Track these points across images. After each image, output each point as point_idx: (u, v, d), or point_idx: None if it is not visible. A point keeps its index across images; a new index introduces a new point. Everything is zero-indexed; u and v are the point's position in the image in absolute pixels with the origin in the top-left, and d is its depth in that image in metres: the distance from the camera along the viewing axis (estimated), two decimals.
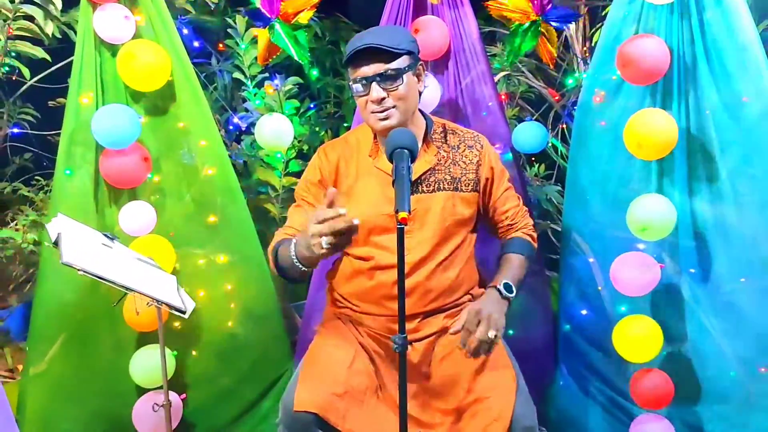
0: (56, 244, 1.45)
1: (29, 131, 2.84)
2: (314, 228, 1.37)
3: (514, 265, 1.85)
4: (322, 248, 1.37)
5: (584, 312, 2.33)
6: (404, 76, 1.67)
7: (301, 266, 1.54)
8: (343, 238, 1.37)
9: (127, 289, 1.50)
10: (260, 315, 2.47)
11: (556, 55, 2.24)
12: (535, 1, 2.15)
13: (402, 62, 1.67)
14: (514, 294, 1.74)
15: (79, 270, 1.41)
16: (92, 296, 2.16)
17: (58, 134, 2.31)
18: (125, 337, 2.23)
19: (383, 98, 1.66)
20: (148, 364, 2.12)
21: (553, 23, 2.19)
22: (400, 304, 1.42)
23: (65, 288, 2.14)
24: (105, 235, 1.65)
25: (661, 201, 1.89)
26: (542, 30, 2.19)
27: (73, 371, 2.20)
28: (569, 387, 2.43)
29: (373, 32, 1.72)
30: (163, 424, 2.11)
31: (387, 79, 1.66)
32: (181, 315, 1.61)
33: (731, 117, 1.86)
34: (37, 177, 2.85)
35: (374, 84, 1.66)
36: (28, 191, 2.75)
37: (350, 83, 1.72)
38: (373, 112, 1.69)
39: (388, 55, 1.65)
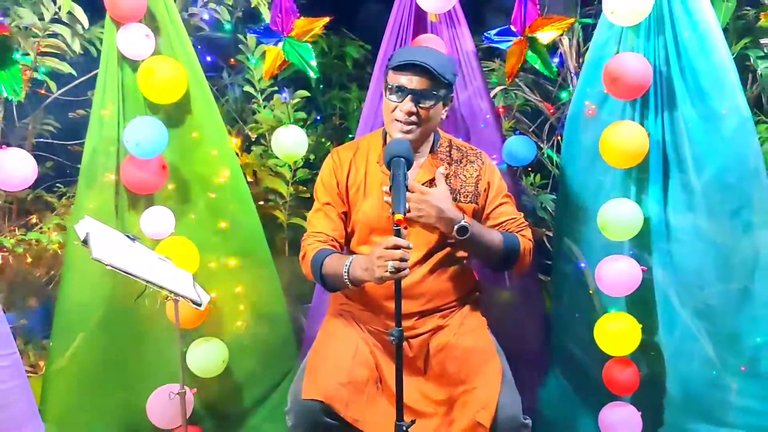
0: (85, 242, 1.59)
1: (50, 141, 2.98)
2: (385, 253, 1.56)
3: (490, 229, 1.91)
4: (386, 271, 1.55)
5: (576, 315, 2.42)
6: (438, 103, 1.82)
7: (349, 283, 1.73)
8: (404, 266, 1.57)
9: (149, 283, 1.64)
10: (269, 316, 2.57)
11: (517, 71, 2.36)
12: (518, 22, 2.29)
13: (442, 91, 1.82)
14: (465, 235, 1.80)
15: (107, 265, 1.56)
16: (111, 296, 2.28)
17: (78, 143, 2.46)
18: (141, 333, 2.34)
19: (414, 113, 1.80)
20: (204, 355, 2.30)
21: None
22: (396, 299, 1.57)
23: (86, 288, 2.26)
24: (126, 236, 1.80)
25: (624, 204, 2.04)
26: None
27: (93, 366, 2.31)
28: (561, 388, 2.52)
29: (426, 52, 1.85)
30: (174, 417, 2.22)
31: (424, 97, 1.80)
32: (197, 307, 1.76)
33: (707, 131, 1.98)
34: (58, 184, 3.00)
35: (410, 96, 1.79)
36: (50, 197, 2.91)
37: (386, 86, 1.85)
38: (397, 120, 1.82)
39: (434, 79, 1.79)
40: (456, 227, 1.78)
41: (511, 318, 2.54)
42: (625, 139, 1.99)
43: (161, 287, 1.68)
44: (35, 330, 2.79)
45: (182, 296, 1.71)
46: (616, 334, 2.12)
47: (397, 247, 1.55)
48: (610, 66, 2.01)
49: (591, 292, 2.36)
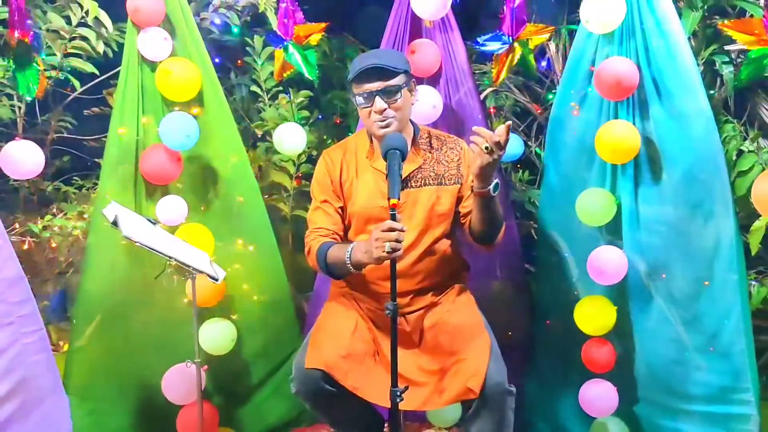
0: (115, 223, 1.78)
1: (67, 136, 3.16)
2: (381, 234, 1.74)
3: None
4: (384, 252, 1.73)
5: (558, 300, 2.57)
6: (401, 91, 2.00)
7: (351, 268, 1.91)
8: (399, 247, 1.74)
9: (172, 259, 1.84)
10: (274, 301, 2.73)
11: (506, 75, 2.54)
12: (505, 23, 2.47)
13: (399, 80, 1.99)
14: (497, 191, 1.92)
15: (136, 242, 1.75)
16: (129, 279, 2.45)
17: (93, 139, 2.65)
18: (157, 314, 2.50)
19: (384, 109, 1.99)
20: (215, 334, 2.46)
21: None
22: (392, 276, 1.76)
23: (107, 271, 2.44)
24: (148, 220, 1.98)
25: (597, 193, 2.22)
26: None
27: (112, 344, 2.48)
28: (546, 370, 2.67)
29: (375, 54, 2.06)
30: (187, 393, 2.41)
31: (388, 93, 1.98)
32: (215, 281, 1.95)
33: (674, 129, 2.16)
34: (75, 177, 3.18)
35: (377, 97, 1.97)
36: (68, 189, 3.09)
37: (354, 97, 2.03)
38: (375, 121, 2.01)
39: (388, 74, 1.97)
40: (493, 183, 1.90)
41: (500, 305, 2.68)
42: (621, 137, 2.16)
43: (183, 263, 1.87)
44: (56, 311, 2.98)
45: (201, 271, 1.90)
46: (594, 316, 2.29)
47: (392, 230, 1.72)
48: (606, 70, 2.16)
49: (574, 280, 2.50)
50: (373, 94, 1.98)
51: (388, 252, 1.73)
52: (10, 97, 2.84)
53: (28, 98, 2.27)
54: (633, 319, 2.36)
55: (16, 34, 2.06)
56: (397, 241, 1.73)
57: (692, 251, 2.20)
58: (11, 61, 2.14)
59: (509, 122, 1.85)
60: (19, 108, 2.87)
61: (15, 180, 2.91)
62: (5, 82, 2.59)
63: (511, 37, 2.45)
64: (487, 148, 1.79)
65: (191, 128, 2.34)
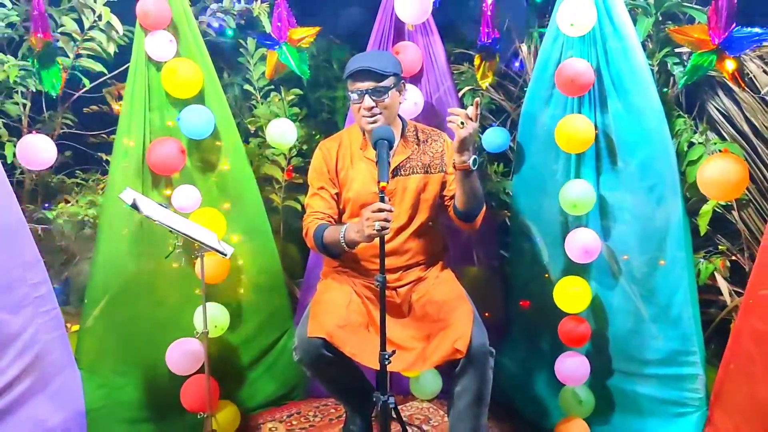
0: (134, 205, 1.98)
1: (69, 131, 3.32)
2: (372, 215, 1.93)
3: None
4: (373, 230, 1.93)
5: (531, 282, 2.78)
6: (389, 92, 2.21)
7: (345, 246, 2.10)
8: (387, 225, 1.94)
9: (186, 236, 2.04)
10: (269, 287, 2.91)
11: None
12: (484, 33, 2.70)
13: (389, 82, 2.20)
14: (475, 165, 2.11)
15: (155, 221, 1.96)
16: (137, 261, 2.61)
17: (93, 135, 2.83)
18: (161, 295, 2.67)
19: (373, 107, 2.21)
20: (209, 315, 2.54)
21: None
22: (381, 253, 1.96)
23: (115, 255, 2.60)
24: (160, 204, 2.18)
25: (582, 184, 2.41)
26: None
27: (119, 322, 2.62)
28: (518, 341, 2.90)
29: (369, 56, 2.28)
30: (188, 366, 2.57)
31: (376, 93, 2.19)
32: (224, 256, 2.16)
33: (629, 122, 2.37)
34: (77, 171, 3.35)
35: (367, 96, 2.19)
36: (71, 182, 3.26)
37: (348, 93, 2.24)
38: (364, 116, 2.23)
39: (378, 76, 2.18)
40: (472, 158, 2.09)
41: (479, 288, 2.83)
42: (576, 129, 2.37)
43: (194, 239, 2.08)
44: (64, 295, 3.15)
45: (211, 247, 2.11)
46: (573, 295, 2.44)
47: (381, 210, 1.93)
48: (565, 70, 2.36)
49: (545, 262, 2.70)
50: (363, 93, 2.19)
51: (377, 230, 1.94)
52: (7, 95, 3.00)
53: (53, 94, 2.44)
54: (600, 297, 2.55)
55: (40, 35, 2.25)
56: (386, 220, 1.93)
57: (647, 232, 2.41)
58: (35, 61, 2.33)
59: (478, 98, 2.08)
60: (25, 105, 3.03)
61: (21, 174, 3.09)
62: (18, 81, 2.75)
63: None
64: (462, 123, 2.02)
65: (208, 118, 2.55)
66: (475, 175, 2.16)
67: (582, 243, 2.43)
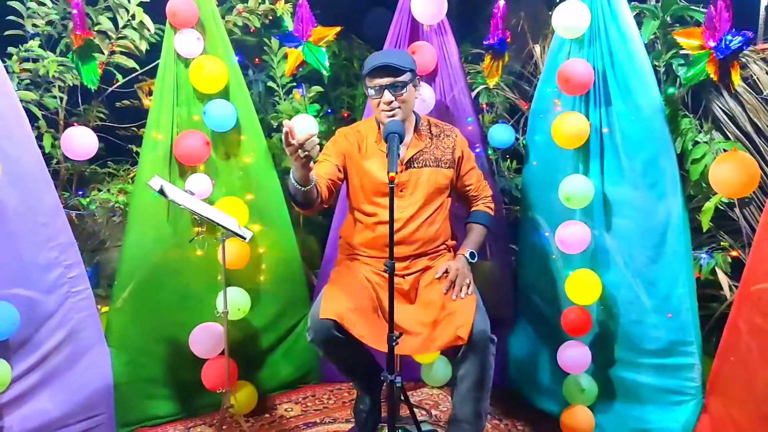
0: (161, 191, 2.13)
1: (102, 124, 3.49)
2: (286, 149, 1.91)
3: (475, 233, 2.54)
4: (295, 161, 1.93)
5: (539, 275, 2.86)
6: (407, 87, 2.34)
7: (293, 182, 2.08)
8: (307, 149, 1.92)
9: (210, 221, 2.19)
10: (287, 274, 3.04)
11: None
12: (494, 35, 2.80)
13: (406, 77, 2.33)
14: (476, 259, 2.44)
15: (180, 205, 2.11)
16: (164, 247, 2.75)
17: (125, 127, 2.96)
18: (186, 280, 2.80)
19: (392, 101, 2.33)
20: (233, 299, 2.70)
21: None
22: (390, 239, 2.05)
23: (144, 239, 2.73)
24: (186, 191, 2.33)
25: (580, 179, 2.50)
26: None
27: (147, 304, 2.75)
28: (526, 331, 2.98)
29: (386, 54, 2.40)
30: (210, 348, 2.71)
31: (395, 88, 2.32)
32: (244, 240, 2.30)
33: (632, 120, 2.45)
34: (109, 161, 3.54)
35: (386, 91, 2.32)
36: (103, 171, 3.45)
37: (367, 89, 2.36)
38: (383, 110, 2.35)
39: (397, 71, 2.31)
40: (469, 261, 2.44)
41: (488, 279, 3.00)
42: (571, 126, 2.47)
43: (217, 223, 2.23)
44: (95, 278, 3.32)
45: (232, 231, 2.25)
46: (585, 287, 2.51)
47: (289, 144, 1.89)
48: (562, 69, 2.47)
49: (554, 257, 2.77)
50: (382, 88, 2.32)
51: (302, 158, 1.93)
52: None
53: (91, 88, 2.59)
54: (608, 290, 2.61)
55: (80, 33, 2.42)
56: (302, 149, 1.91)
57: (649, 227, 2.49)
58: (75, 56, 2.49)
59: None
60: (62, 99, 3.21)
61: (57, 163, 3.27)
62: (56, 75, 2.92)
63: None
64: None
65: (231, 111, 2.70)
66: (475, 255, 2.50)
67: (560, 233, 2.58)
